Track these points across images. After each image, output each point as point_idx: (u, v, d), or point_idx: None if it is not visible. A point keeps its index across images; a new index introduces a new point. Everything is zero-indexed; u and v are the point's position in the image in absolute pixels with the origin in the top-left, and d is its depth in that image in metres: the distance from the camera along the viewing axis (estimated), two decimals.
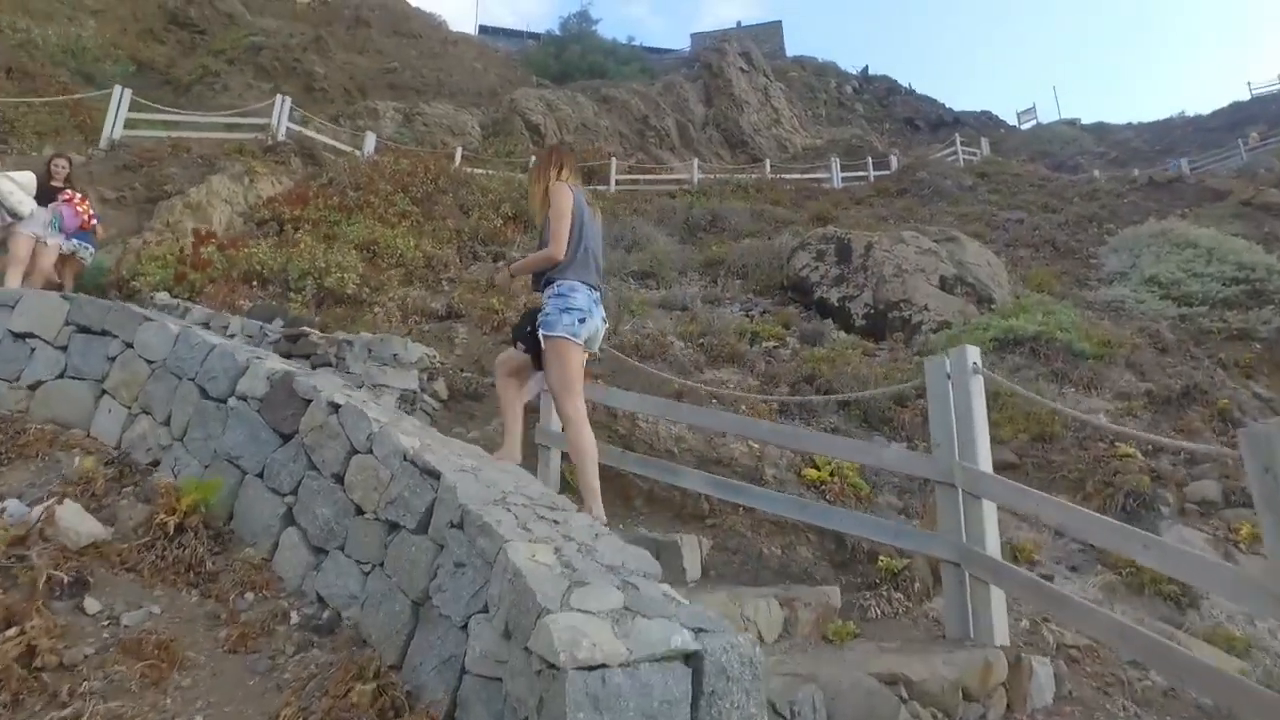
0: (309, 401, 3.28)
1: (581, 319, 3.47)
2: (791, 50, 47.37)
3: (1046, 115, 41.96)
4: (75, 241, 6.72)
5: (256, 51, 25.09)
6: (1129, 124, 39.81)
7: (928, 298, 9.04)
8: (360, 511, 2.83)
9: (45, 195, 6.60)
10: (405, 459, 2.75)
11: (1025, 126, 36.79)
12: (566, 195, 3.59)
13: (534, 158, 15.16)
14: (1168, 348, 8.73)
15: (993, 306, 9.27)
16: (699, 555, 4.15)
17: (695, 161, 20.63)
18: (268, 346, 5.32)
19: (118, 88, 11.42)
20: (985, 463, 3.49)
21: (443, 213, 11.74)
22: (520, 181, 15.45)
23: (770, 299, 10.63)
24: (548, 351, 3.45)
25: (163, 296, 6.67)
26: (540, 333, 3.47)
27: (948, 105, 44.93)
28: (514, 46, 42.09)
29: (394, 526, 2.69)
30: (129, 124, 11.53)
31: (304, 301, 6.92)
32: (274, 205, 10.09)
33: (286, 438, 3.30)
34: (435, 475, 2.63)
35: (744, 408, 5.67)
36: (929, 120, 41.17)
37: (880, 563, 4.20)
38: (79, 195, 6.82)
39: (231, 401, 3.55)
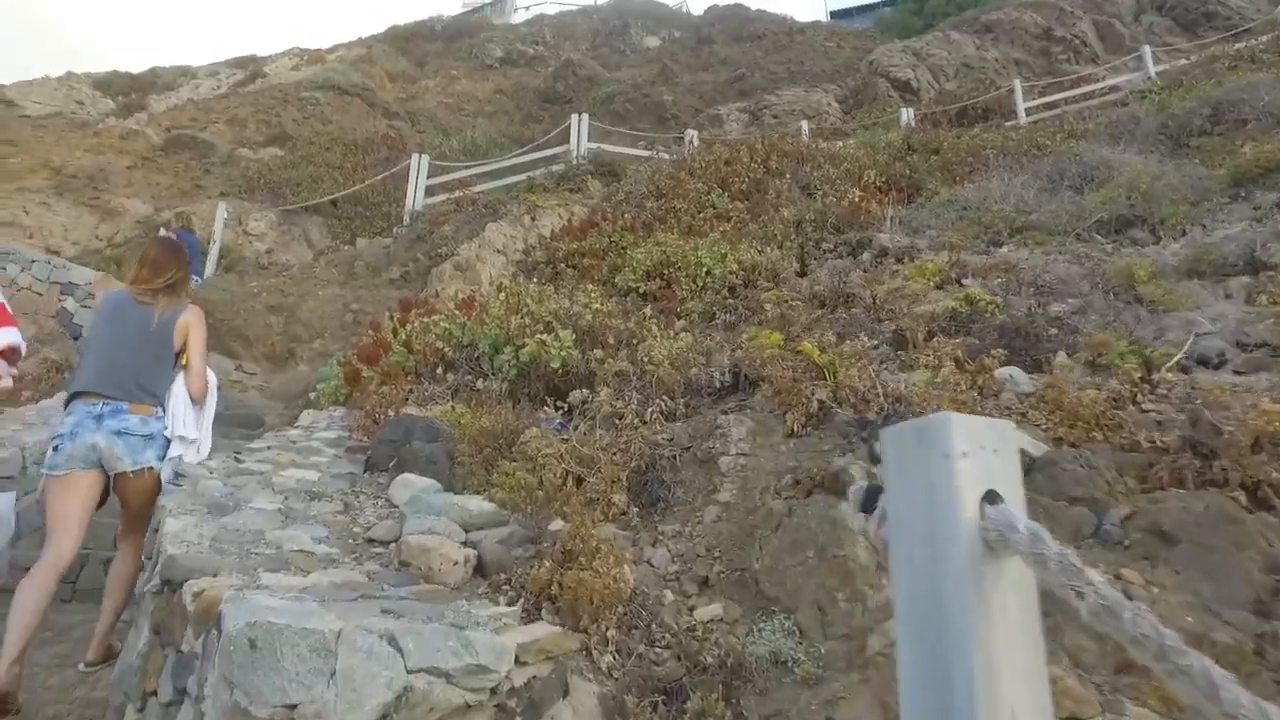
0: None
1: (56, 445, 2.85)
2: None
3: None
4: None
5: (610, 100, 24.51)
6: None
7: None
8: None
9: None
10: None
11: None
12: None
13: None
14: None
15: None
16: None
17: (1147, 49, 13.58)
18: None
19: (415, 155, 10.06)
20: None
21: (775, 201, 8.00)
22: (891, 141, 11.00)
23: None
24: None
25: (306, 416, 4.05)
26: None
27: None
28: (870, 22, 36.54)
29: None
30: (431, 190, 10.06)
31: (498, 392, 3.75)
32: (550, 244, 7.40)
33: None
34: None
35: None
36: None
37: None
38: None
39: None
